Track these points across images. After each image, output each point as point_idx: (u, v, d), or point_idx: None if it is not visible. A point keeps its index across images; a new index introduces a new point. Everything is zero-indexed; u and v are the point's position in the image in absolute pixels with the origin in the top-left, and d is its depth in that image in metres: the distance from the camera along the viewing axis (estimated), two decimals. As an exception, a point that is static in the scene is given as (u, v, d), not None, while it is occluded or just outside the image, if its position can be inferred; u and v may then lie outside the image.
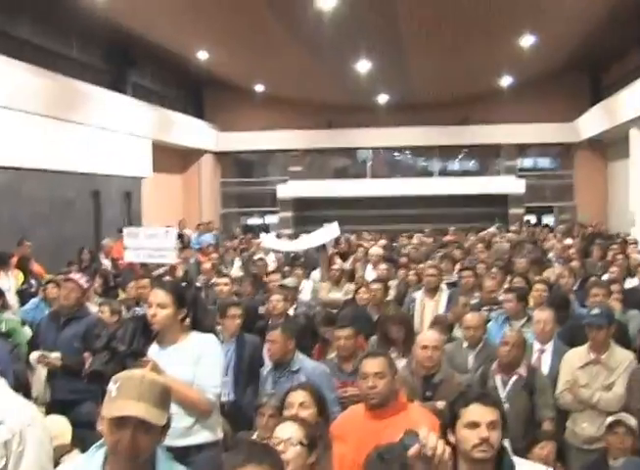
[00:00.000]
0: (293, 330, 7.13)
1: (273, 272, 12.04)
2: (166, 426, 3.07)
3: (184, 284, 11.89)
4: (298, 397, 4.98)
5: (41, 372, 7.69)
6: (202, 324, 5.13)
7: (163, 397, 3.07)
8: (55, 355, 7.20)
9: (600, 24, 19.75)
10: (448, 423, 3.57)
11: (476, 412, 3.49)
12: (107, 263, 15.42)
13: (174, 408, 4.63)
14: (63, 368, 7.17)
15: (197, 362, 4.84)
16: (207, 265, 13.05)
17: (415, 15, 17.64)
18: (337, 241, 15.86)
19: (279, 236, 19.88)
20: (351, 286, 11.59)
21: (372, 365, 4.98)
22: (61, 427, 5.45)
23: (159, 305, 4.85)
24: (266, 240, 16.01)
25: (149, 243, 12.26)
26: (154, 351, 4.90)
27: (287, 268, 13.96)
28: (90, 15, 17.55)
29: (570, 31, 20.50)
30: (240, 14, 17.71)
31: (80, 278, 7.83)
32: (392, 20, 18.05)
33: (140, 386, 3.03)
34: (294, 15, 17.50)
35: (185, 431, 4.80)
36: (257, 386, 7.29)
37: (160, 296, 4.89)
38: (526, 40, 20.11)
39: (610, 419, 5.93)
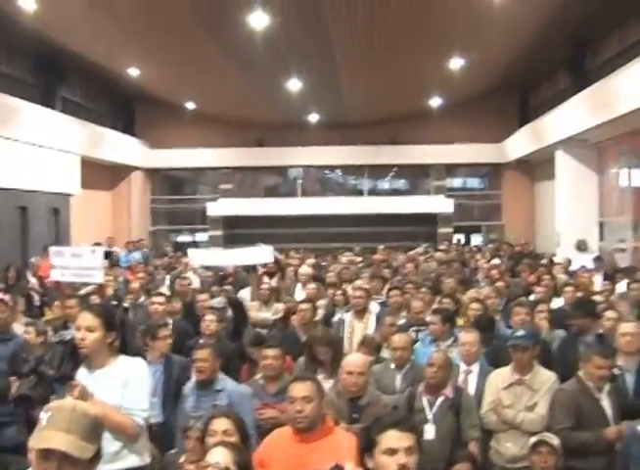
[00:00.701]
0: (219, 349, 7.15)
1: (202, 292, 11.92)
2: (97, 457, 3.03)
3: (114, 303, 11.84)
4: (222, 424, 4.99)
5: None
6: (130, 347, 5.09)
7: (93, 429, 3.03)
8: None
9: (529, 48, 20.17)
10: (365, 449, 3.60)
11: (393, 438, 3.52)
12: (34, 282, 15.18)
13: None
14: None
15: (125, 386, 4.79)
16: (136, 285, 12.88)
17: (346, 35, 17.79)
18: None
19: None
20: (280, 305, 11.58)
21: (300, 389, 4.98)
22: None
23: (87, 329, 4.79)
24: (195, 255, 15.88)
25: (75, 262, 12.09)
26: (82, 374, 4.84)
27: (215, 288, 13.90)
28: (18, 27, 17.35)
29: (499, 54, 20.87)
30: (172, 31, 17.67)
31: (5, 298, 7.67)
32: (324, 40, 18.18)
33: (70, 417, 2.98)
34: (226, 33, 17.50)
35: (113, 456, 4.72)
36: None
37: (88, 319, 4.84)
38: (456, 62, 20.38)
39: (533, 439, 6.03)
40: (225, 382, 6.84)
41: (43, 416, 3.03)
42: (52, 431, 2.94)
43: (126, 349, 5.02)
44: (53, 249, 12.92)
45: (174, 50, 19.43)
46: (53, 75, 22.68)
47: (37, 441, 2.94)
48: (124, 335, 5.06)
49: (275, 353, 7.06)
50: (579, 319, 8.68)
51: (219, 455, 4.03)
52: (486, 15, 16.35)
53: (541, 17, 17.49)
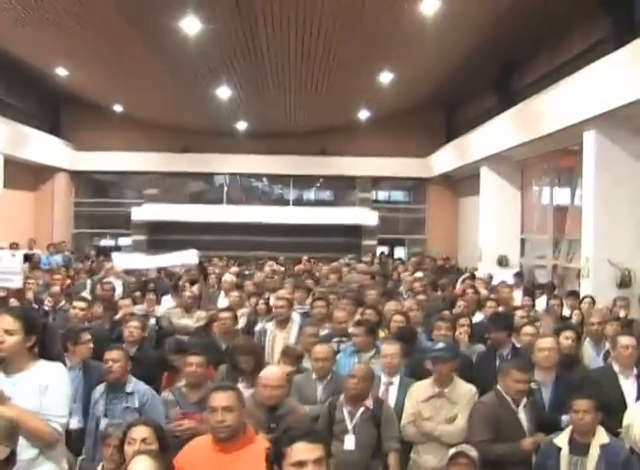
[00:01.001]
0: (127, 351, 7.15)
1: (124, 298, 11.81)
2: (10, 460, 3.00)
3: (34, 306, 11.66)
4: (141, 432, 4.96)
5: None
6: (50, 352, 4.99)
7: (6, 431, 3.01)
8: None
9: (458, 66, 20.49)
10: (274, 462, 3.60)
11: (301, 451, 3.52)
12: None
13: (19, 440, 4.54)
14: None
15: (44, 392, 4.68)
16: (56, 288, 12.67)
17: (277, 45, 17.83)
18: (187, 269, 15.74)
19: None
20: (202, 313, 11.52)
21: (221, 399, 4.95)
22: None
23: (6, 332, 4.68)
24: (118, 259, 15.72)
25: None
26: (-1, 378, 4.75)
27: (138, 293, 13.78)
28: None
29: (428, 71, 21.15)
30: (101, 32, 17.48)
31: None
32: (255, 49, 18.18)
33: None
34: (157, 37, 17.38)
35: (29, 463, 4.60)
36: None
37: (7, 322, 4.72)
38: (386, 76, 20.59)
39: (452, 451, 6.08)
40: (137, 384, 6.84)
41: None
42: None
43: (46, 353, 4.93)
44: None
45: (104, 52, 19.23)
46: (-24, 72, 22.27)
47: None
48: (45, 339, 4.95)
49: (199, 361, 7.04)
50: (495, 333, 8.82)
51: (142, 465, 3.99)
52: (417, 32, 16.53)
53: (471, 37, 17.78)
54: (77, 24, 17.00)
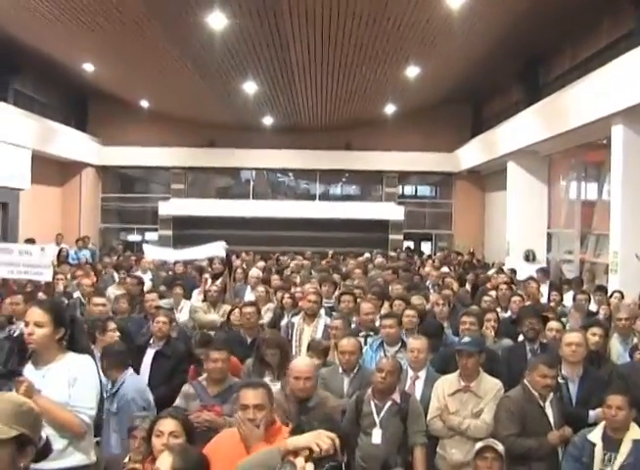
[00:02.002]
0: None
1: (150, 292, 11.86)
2: (27, 444, 3.05)
3: (65, 300, 11.76)
4: (169, 425, 4.96)
5: None
6: (79, 344, 5.04)
7: (15, 414, 3.06)
8: None
9: (483, 60, 20.38)
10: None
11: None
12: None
13: (48, 430, 4.57)
14: None
15: (72, 384, 4.75)
16: (87, 281, 12.74)
17: (303, 40, 17.81)
18: (211, 262, 15.76)
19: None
20: (228, 307, 11.55)
21: (252, 397, 4.94)
22: None
23: (36, 324, 4.74)
24: (149, 250, 15.79)
25: (24, 259, 12.01)
26: (29, 370, 4.79)
27: (163, 288, 13.85)
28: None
29: (454, 65, 21.06)
30: (128, 28, 17.56)
31: None
32: (281, 44, 18.18)
33: None
34: (183, 32, 17.45)
35: (58, 453, 4.66)
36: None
37: (37, 314, 4.78)
38: (412, 71, 20.55)
39: (479, 445, 6.07)
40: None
41: None
42: None
43: (75, 346, 4.97)
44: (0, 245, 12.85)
45: (130, 47, 19.32)
46: (6, 68, 22.40)
47: None
48: (73, 332, 5.01)
49: (222, 356, 6.99)
50: (530, 321, 8.72)
51: (169, 460, 4.01)
52: (443, 26, 16.51)
53: (496, 30, 17.68)
54: (104, 21, 17.08)
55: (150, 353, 8.69)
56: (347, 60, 19.61)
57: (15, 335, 4.77)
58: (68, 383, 4.75)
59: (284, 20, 16.37)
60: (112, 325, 8.08)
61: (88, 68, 22.61)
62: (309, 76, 21.46)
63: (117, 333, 8.06)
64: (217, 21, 15.93)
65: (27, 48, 20.98)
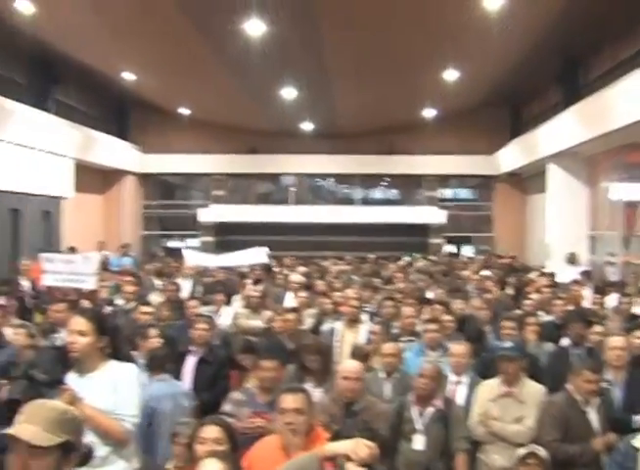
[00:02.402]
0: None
1: (191, 299, 11.91)
2: (71, 450, 3.09)
3: (110, 308, 11.88)
4: (212, 432, 4.97)
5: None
6: (121, 352, 5.08)
7: (60, 422, 3.11)
8: None
9: (522, 62, 20.25)
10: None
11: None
12: (25, 284, 15.13)
13: (92, 437, 4.62)
14: None
15: (115, 391, 4.78)
16: (130, 288, 12.81)
17: (341, 45, 17.83)
18: (252, 267, 15.79)
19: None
20: (270, 313, 11.56)
21: (291, 401, 4.98)
22: None
23: (79, 333, 4.79)
24: (189, 255, 15.86)
25: (67, 268, 12.13)
26: (72, 378, 4.82)
27: (201, 294, 13.95)
28: (14, 30, 17.37)
29: (492, 67, 20.96)
30: (167, 37, 17.68)
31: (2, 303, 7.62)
32: (319, 49, 18.23)
33: (38, 411, 3.12)
34: (221, 39, 17.53)
35: (101, 461, 4.70)
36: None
37: (80, 323, 4.83)
38: (450, 74, 20.49)
39: (522, 451, 6.01)
40: None
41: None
42: (20, 424, 3.09)
43: (117, 354, 5.02)
44: (44, 255, 12.99)
45: (169, 55, 19.46)
46: (48, 78, 22.64)
47: (8, 431, 3.05)
48: (116, 340, 5.05)
49: (272, 365, 6.98)
50: (575, 326, 8.65)
51: (212, 467, 4.02)
52: (481, 28, 16.41)
53: (535, 31, 17.58)
54: (143, 30, 17.24)
55: (191, 360, 8.72)
56: (386, 64, 19.59)
57: (58, 344, 4.79)
58: (112, 391, 4.79)
59: (321, 26, 16.41)
60: (153, 332, 8.14)
61: (128, 76, 22.81)
62: (348, 81, 21.48)
63: (159, 340, 8.11)
64: (255, 27, 16.01)
65: (68, 58, 21.22)
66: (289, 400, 5.00)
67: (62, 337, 4.96)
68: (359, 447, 3.28)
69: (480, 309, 10.80)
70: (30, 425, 3.04)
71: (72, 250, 20.34)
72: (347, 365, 6.92)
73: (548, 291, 12.50)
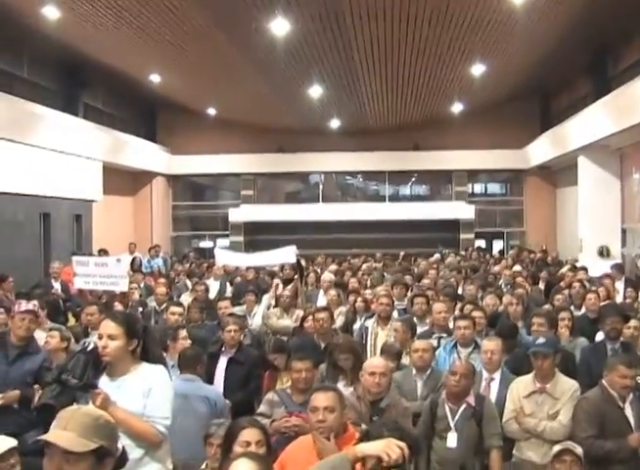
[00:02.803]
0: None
1: (222, 300, 11.90)
2: (105, 456, 3.10)
3: (141, 309, 11.94)
4: (255, 435, 4.97)
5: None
6: (152, 354, 5.09)
7: (95, 428, 3.12)
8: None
9: (550, 54, 20.07)
10: None
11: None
12: (57, 287, 15.22)
13: (125, 440, 4.62)
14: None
15: (147, 394, 4.79)
16: (162, 289, 12.87)
17: (367, 41, 17.78)
18: (282, 267, 15.74)
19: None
20: (301, 312, 11.54)
21: (322, 399, 4.95)
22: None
23: (109, 337, 4.79)
24: (221, 255, 15.88)
25: (99, 271, 12.20)
26: (104, 382, 4.83)
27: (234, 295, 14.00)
28: (42, 35, 17.50)
29: (520, 60, 20.79)
30: (193, 38, 17.73)
31: (34, 308, 7.61)
32: (345, 46, 18.18)
33: (72, 416, 3.11)
34: (247, 39, 17.53)
35: (134, 463, 4.68)
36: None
37: (110, 327, 4.83)
38: (477, 69, 20.36)
39: (557, 447, 5.93)
40: None
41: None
42: (55, 429, 3.09)
43: (148, 356, 5.03)
44: (76, 258, 13.07)
45: (196, 57, 19.51)
46: (75, 82, 22.82)
47: (44, 438, 3.06)
48: (146, 342, 5.06)
49: (305, 366, 6.94)
50: (612, 320, 8.57)
51: (243, 468, 3.97)
52: (507, 20, 16.33)
53: (563, 22, 17.41)
54: (169, 32, 17.28)
55: (223, 361, 8.74)
56: (412, 60, 19.53)
57: (89, 348, 4.80)
58: (143, 393, 4.80)
59: (346, 22, 16.36)
60: (182, 333, 8.15)
61: (155, 78, 22.92)
62: (374, 78, 21.42)
63: (188, 341, 8.11)
64: (280, 26, 15.98)
65: (95, 62, 21.36)
66: (320, 399, 4.98)
67: (94, 340, 4.93)
68: (390, 449, 3.25)
69: (511, 305, 10.71)
70: (65, 431, 3.04)
71: (104, 252, 20.42)
72: (373, 361, 6.95)
73: (579, 286, 12.35)
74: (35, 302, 9.85)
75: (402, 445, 3.29)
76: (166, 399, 4.91)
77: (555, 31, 18.10)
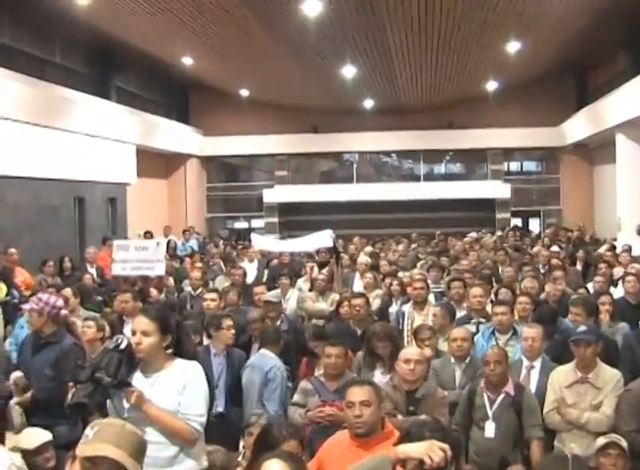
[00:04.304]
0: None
1: (258, 284, 11.81)
2: None
3: (175, 295, 11.94)
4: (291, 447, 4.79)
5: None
6: (186, 350, 5.01)
7: (140, 448, 3.07)
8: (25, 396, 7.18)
9: (586, 29, 19.76)
10: None
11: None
12: (92, 272, 15.24)
13: (159, 438, 4.63)
14: (32, 403, 7.13)
15: (181, 391, 4.72)
16: (197, 274, 12.81)
17: (401, 20, 17.58)
18: (317, 250, 15.64)
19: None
20: (337, 296, 11.45)
21: (358, 394, 4.84)
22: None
23: (143, 333, 4.73)
24: (257, 240, 15.83)
25: (138, 255, 12.18)
26: (137, 379, 4.77)
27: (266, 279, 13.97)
28: (73, 20, 17.48)
29: (556, 36, 20.49)
30: (224, 20, 17.66)
31: (47, 301, 7.53)
32: (378, 25, 18.00)
33: (120, 433, 3.06)
34: (279, 20, 17.43)
35: (169, 460, 4.69)
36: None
37: (144, 323, 4.76)
38: (512, 46, 20.08)
39: (602, 440, 5.73)
40: None
41: (89, 431, 3.11)
42: (100, 443, 3.02)
43: (182, 352, 4.96)
44: (117, 242, 13.08)
45: (227, 38, 19.43)
46: (107, 66, 22.87)
47: (85, 450, 3.04)
48: (180, 337, 5.00)
49: (338, 352, 6.90)
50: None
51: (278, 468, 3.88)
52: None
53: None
54: (199, 14, 17.20)
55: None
56: (446, 38, 19.31)
57: (122, 346, 4.73)
58: (178, 390, 4.73)
59: (379, 1, 16.16)
60: (227, 322, 8.02)
61: (187, 61, 22.88)
62: (408, 57, 21.24)
63: (232, 331, 8.02)
64: (312, 7, 15.83)
65: (127, 46, 21.38)
66: (356, 393, 4.86)
67: (126, 337, 4.86)
68: (433, 451, 3.16)
69: (550, 291, 10.53)
70: (114, 446, 2.99)
71: (149, 235, 20.47)
72: (408, 349, 6.89)
73: (604, 267, 12.22)
74: (68, 289, 9.89)
75: (445, 447, 3.20)
76: (201, 395, 4.84)
77: (590, 6, 17.80)
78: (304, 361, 8.44)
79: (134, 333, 4.76)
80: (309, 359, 8.35)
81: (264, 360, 7.74)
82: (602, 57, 25.04)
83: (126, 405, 4.67)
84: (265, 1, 16.18)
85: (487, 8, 16.87)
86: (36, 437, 5.59)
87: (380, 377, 7.32)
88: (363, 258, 14.39)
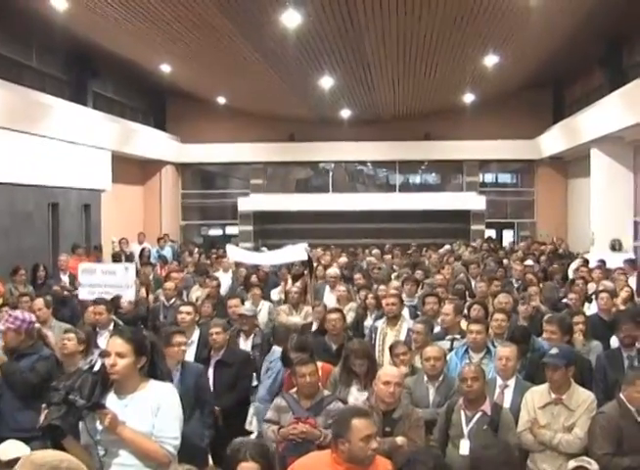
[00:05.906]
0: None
1: (232, 298, 11.70)
2: None
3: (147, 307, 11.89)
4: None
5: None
6: (160, 370, 4.96)
7: None
8: None
9: (563, 45, 19.91)
10: None
11: None
12: (65, 279, 15.14)
13: (133, 460, 4.60)
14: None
15: (155, 413, 4.68)
16: (171, 284, 12.70)
17: (378, 31, 17.61)
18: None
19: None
20: (310, 309, 11.42)
21: (371, 426, 4.93)
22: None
23: (117, 355, 4.68)
24: (233, 252, 15.79)
25: (106, 280, 12.11)
26: (111, 400, 4.72)
27: (241, 288, 13.88)
28: (51, 24, 17.33)
29: (533, 51, 20.62)
30: (203, 28, 17.60)
31: (23, 318, 7.48)
32: (357, 37, 18.03)
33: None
34: (258, 30, 17.40)
35: (142, 483, 4.65)
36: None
37: (118, 344, 4.72)
38: (490, 59, 20.17)
39: (573, 464, 5.78)
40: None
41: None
42: None
43: (155, 372, 4.92)
44: (82, 266, 12.95)
45: (205, 46, 19.38)
46: (84, 72, 22.68)
47: None
48: (154, 357, 4.95)
49: (311, 370, 6.86)
50: (626, 326, 8.25)
51: None
52: (521, 11, 16.14)
53: (577, 12, 17.20)
54: (178, 21, 17.15)
55: (211, 365, 8.76)
56: (424, 50, 19.37)
57: (96, 367, 4.69)
58: (152, 412, 4.69)
59: (357, 11, 16.17)
60: (178, 338, 7.81)
61: (165, 68, 22.82)
62: (386, 68, 21.28)
63: (183, 347, 7.87)
64: (291, 17, 15.81)
65: (105, 52, 21.28)
66: (369, 426, 4.89)
67: (99, 359, 4.81)
68: None
69: (522, 305, 10.56)
70: None
71: (125, 241, 20.56)
72: (388, 370, 6.84)
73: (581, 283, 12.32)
74: (40, 300, 9.79)
75: None
76: (175, 418, 4.79)
77: (569, 21, 17.91)
78: (287, 374, 8.37)
79: (109, 354, 4.71)
80: (292, 371, 8.31)
81: (274, 353, 8.89)
82: (579, 72, 25.23)
83: (99, 427, 4.62)
84: (244, 11, 16.13)
85: (466, 21, 16.93)
86: (12, 450, 5.53)
87: (356, 394, 7.36)
88: (333, 271, 14.29)
